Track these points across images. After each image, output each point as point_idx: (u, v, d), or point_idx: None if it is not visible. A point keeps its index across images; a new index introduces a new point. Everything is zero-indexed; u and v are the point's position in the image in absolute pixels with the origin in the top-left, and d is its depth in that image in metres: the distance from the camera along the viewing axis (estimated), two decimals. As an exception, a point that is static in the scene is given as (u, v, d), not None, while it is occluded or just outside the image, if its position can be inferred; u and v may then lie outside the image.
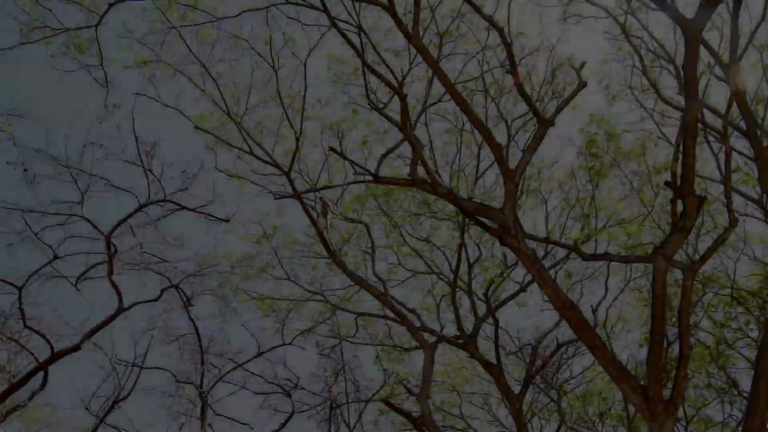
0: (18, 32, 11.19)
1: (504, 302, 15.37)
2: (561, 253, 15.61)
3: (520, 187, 15.33)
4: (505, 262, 16.04)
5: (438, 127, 16.47)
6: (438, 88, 13.65)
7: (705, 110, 13.62)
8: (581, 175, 15.51)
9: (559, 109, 10.36)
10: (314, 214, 13.58)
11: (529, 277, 14.75)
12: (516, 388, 14.26)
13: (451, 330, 16.79)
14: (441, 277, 17.72)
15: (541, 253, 15.32)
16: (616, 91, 15.52)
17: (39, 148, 13.38)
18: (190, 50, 13.83)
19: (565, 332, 15.86)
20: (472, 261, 16.30)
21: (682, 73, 9.82)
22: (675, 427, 9.22)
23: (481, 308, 15.63)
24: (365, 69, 11.98)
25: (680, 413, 15.30)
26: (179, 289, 14.52)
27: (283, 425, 13.98)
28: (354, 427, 13.58)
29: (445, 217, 16.75)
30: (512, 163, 10.84)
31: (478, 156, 15.72)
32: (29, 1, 11.32)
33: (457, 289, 15.69)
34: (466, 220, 13.73)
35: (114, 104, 13.13)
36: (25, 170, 13.37)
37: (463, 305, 17.16)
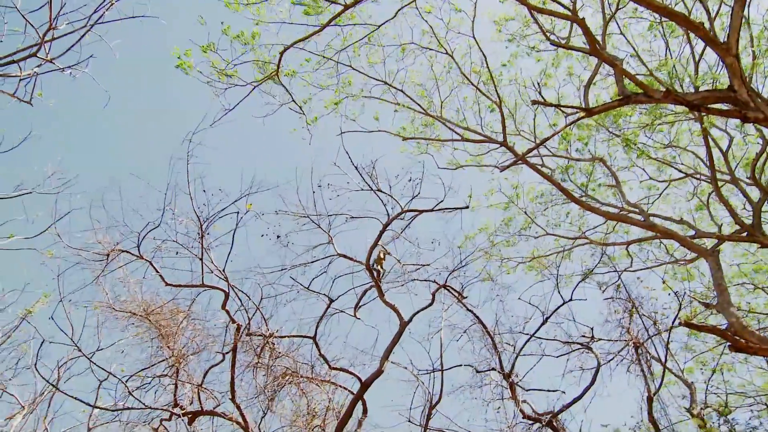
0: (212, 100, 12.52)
1: (777, 177, 13.88)
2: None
3: (750, 51, 13.84)
4: (763, 136, 14.49)
5: (637, 29, 15.56)
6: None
7: None
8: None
9: (752, -41, 9.23)
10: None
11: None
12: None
13: (730, 227, 15.63)
14: (698, 177, 16.55)
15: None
16: None
17: (278, 209, 14.53)
18: (368, 75, 14.73)
19: None
20: (725, 149, 14.99)
21: None
22: None
23: (754, 193, 14.29)
24: (533, 14, 11.75)
25: None
26: (448, 287, 15.08)
27: (593, 379, 13.83)
28: (665, 360, 13.05)
29: (679, 114, 15.63)
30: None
31: (689, 41, 14.46)
32: (216, 68, 12.67)
33: (720, 182, 14.50)
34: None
35: (311, 120, 14.08)
36: (278, 237, 14.73)
37: (734, 196, 15.89)
